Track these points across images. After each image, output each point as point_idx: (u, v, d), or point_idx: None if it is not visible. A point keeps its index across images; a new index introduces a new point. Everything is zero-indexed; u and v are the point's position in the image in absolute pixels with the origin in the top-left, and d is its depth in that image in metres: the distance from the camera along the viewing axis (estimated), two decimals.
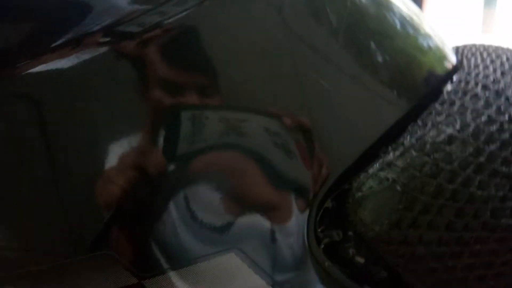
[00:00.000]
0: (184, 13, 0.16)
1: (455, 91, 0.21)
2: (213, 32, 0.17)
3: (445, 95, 0.21)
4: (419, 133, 0.19)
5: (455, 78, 0.22)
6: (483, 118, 0.19)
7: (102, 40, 0.16)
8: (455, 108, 0.20)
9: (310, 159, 0.18)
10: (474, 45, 0.26)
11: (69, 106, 0.16)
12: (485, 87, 0.20)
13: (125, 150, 0.16)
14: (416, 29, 0.23)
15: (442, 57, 0.24)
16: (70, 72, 0.15)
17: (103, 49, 0.16)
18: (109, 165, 0.16)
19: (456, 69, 0.23)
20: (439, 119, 0.20)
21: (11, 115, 0.15)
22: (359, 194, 0.19)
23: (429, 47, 0.23)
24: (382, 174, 0.19)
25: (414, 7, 0.25)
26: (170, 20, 0.16)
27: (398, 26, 0.22)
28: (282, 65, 0.18)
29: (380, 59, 0.20)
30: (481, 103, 0.20)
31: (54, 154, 0.15)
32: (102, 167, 0.16)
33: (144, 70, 0.16)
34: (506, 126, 0.19)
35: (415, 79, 0.22)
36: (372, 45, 0.20)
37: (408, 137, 0.20)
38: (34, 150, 0.15)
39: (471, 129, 0.19)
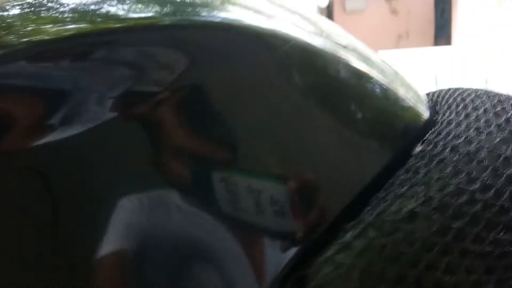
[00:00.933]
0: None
1: (422, 156, 0.19)
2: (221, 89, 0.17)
3: (411, 161, 0.19)
4: (380, 207, 0.18)
5: (426, 138, 0.20)
6: (450, 189, 0.17)
7: (111, 105, 0.15)
8: (419, 177, 0.18)
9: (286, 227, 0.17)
10: (453, 93, 0.24)
11: (77, 179, 0.15)
12: (454, 150, 0.19)
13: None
14: (390, 90, 0.22)
15: (416, 113, 0.22)
16: (77, 141, 0.15)
17: (112, 114, 0.15)
18: (114, 246, 0.15)
19: (427, 126, 0.21)
20: (401, 191, 0.18)
21: (17, 190, 0.15)
22: (314, 283, 0.17)
23: (403, 106, 0.22)
24: (338, 258, 0.17)
25: (390, 69, 0.23)
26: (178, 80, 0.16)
27: (377, 91, 0.21)
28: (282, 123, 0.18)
29: (356, 115, 0.20)
30: (449, 169, 0.18)
31: (60, 228, 0.15)
32: (109, 249, 0.15)
33: (158, 135, 0.16)
34: (477, 196, 0.17)
35: (387, 134, 0.20)
36: (352, 105, 0.20)
37: (368, 213, 0.18)
38: (39, 226, 0.15)
39: (435, 202, 0.17)
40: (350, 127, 0.19)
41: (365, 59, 0.22)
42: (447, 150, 0.19)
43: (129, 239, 0.15)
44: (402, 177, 0.18)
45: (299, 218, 0.18)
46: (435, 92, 0.26)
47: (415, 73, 2.02)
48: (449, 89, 0.25)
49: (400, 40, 3.01)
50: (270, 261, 0.17)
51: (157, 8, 0.18)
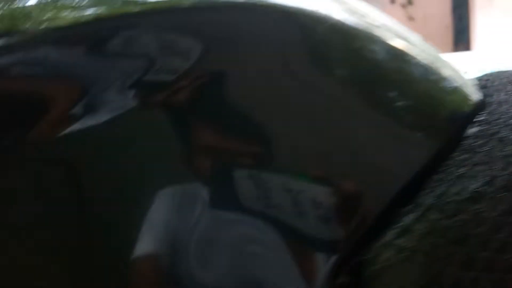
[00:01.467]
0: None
1: (478, 136, 0.18)
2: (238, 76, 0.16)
3: (467, 141, 0.18)
4: (439, 189, 0.17)
5: (479, 118, 0.19)
6: None
7: (130, 94, 0.15)
8: (480, 156, 0.17)
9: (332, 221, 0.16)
10: (499, 75, 0.23)
11: (103, 169, 0.15)
12: None
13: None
14: (433, 72, 0.21)
15: (464, 95, 0.21)
16: (101, 131, 0.14)
17: (134, 103, 0.15)
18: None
19: (480, 107, 0.20)
20: (461, 171, 0.17)
21: (46, 180, 0.14)
22: (375, 267, 0.16)
23: (449, 88, 0.21)
24: (399, 242, 0.16)
25: (432, 50, 0.23)
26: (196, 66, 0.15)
27: (417, 73, 0.20)
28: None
29: (399, 104, 0.19)
30: (510, 147, 0.17)
31: (88, 218, 0.14)
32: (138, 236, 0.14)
33: (181, 123, 0.15)
34: None
35: (433, 122, 0.19)
36: (392, 92, 0.19)
37: (427, 195, 0.17)
38: (68, 215, 0.14)
39: (500, 181, 0.16)
40: (394, 112, 0.19)
41: (403, 39, 0.21)
42: (506, 128, 0.18)
43: (161, 235, 0.15)
44: (460, 157, 0.17)
45: (349, 207, 0.17)
46: (480, 76, 0.25)
47: None
48: (493, 73, 0.24)
49: None
50: (318, 258, 0.16)
51: None
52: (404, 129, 0.19)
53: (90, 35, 0.15)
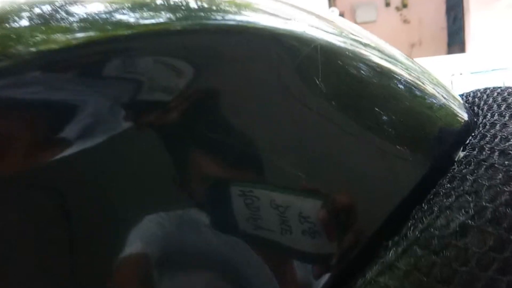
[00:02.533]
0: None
1: (466, 162, 0.17)
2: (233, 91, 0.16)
3: (455, 167, 0.17)
4: (424, 222, 0.16)
5: (469, 141, 0.19)
6: (504, 197, 0.15)
7: (123, 114, 0.14)
8: (467, 185, 0.16)
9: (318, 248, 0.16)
10: (492, 92, 0.22)
11: (95, 195, 0.14)
12: (504, 153, 0.17)
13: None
14: (419, 88, 0.20)
15: (452, 114, 0.20)
16: (94, 155, 0.14)
17: (126, 124, 0.14)
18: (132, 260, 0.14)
19: (470, 128, 0.19)
20: (447, 202, 0.16)
21: (34, 210, 0.14)
22: None
23: (436, 106, 0.20)
24: (382, 280, 0.15)
25: (418, 66, 0.22)
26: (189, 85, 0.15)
27: (402, 89, 0.20)
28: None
29: (383, 121, 0.18)
30: (500, 176, 0.16)
31: (76, 247, 0.14)
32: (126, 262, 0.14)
33: (176, 147, 0.15)
34: None
35: (420, 141, 0.18)
36: (376, 108, 0.18)
37: (412, 227, 0.16)
38: (56, 244, 0.14)
39: (489, 213, 0.15)
40: (379, 132, 0.18)
41: (388, 57, 0.20)
42: (496, 154, 0.17)
43: (150, 259, 0.14)
44: (447, 186, 0.16)
45: (331, 236, 0.16)
46: (470, 93, 0.24)
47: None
48: (485, 89, 0.23)
49: (413, 49, 2.98)
50: (301, 286, 0.16)
51: (168, 14, 0.17)
52: (393, 142, 0.18)
53: (82, 59, 0.15)
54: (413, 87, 0.20)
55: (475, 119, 0.20)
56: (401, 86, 0.19)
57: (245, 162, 0.16)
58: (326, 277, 0.16)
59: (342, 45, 0.19)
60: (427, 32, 2.94)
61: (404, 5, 2.87)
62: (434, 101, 0.20)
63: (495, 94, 0.21)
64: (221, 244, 0.15)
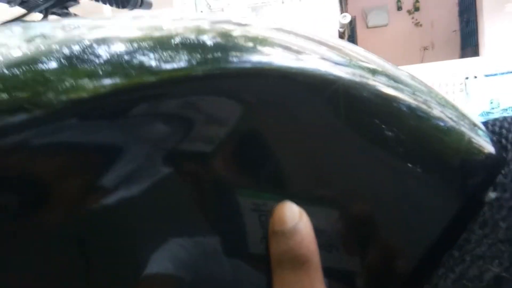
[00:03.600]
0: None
1: (498, 206, 0.16)
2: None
3: (486, 211, 0.17)
4: (456, 271, 0.15)
5: (499, 180, 0.18)
6: None
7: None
8: (500, 233, 0.15)
9: None
10: None
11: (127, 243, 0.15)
12: None
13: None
14: (428, 114, 0.19)
15: (472, 147, 0.19)
16: (130, 204, 0.14)
17: (163, 172, 0.15)
18: None
19: (497, 164, 0.19)
20: (480, 250, 0.15)
21: (64, 258, 0.14)
22: None
23: (451, 130, 0.19)
24: None
25: (436, 93, 0.21)
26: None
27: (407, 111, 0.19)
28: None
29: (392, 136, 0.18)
30: None
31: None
32: None
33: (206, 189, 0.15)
34: None
35: (442, 179, 0.18)
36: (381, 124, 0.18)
37: (444, 276, 0.15)
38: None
39: None
40: (397, 160, 0.17)
41: (396, 81, 0.20)
42: None
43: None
44: (478, 232, 0.16)
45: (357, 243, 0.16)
46: (495, 122, 0.23)
47: (444, 86, 1.97)
48: (509, 117, 0.22)
49: (426, 52, 2.96)
50: None
51: (186, 56, 0.16)
52: (415, 178, 0.17)
53: (111, 106, 0.15)
54: (428, 115, 0.19)
55: (504, 154, 0.19)
56: (414, 113, 0.19)
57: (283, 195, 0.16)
58: None
59: (356, 78, 0.19)
60: (440, 35, 2.91)
61: (416, 9, 2.85)
62: (448, 128, 0.19)
63: None
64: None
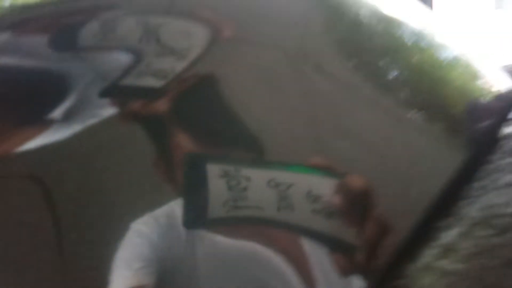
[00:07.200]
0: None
1: None
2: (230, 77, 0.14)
3: (504, 142, 0.16)
4: (484, 199, 0.14)
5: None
6: None
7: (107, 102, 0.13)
8: None
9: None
10: None
11: (76, 181, 0.13)
12: None
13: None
14: (431, 42, 0.19)
15: (478, 79, 0.19)
16: (71, 144, 0.13)
17: (111, 110, 0.13)
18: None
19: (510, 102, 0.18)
20: (505, 179, 0.15)
21: (16, 197, 0.13)
22: None
23: (455, 63, 0.19)
24: (442, 264, 0.14)
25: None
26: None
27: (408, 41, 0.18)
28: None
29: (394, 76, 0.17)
30: None
31: (63, 235, 0.13)
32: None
33: (163, 130, 0.13)
34: None
35: (450, 111, 0.17)
36: (382, 61, 0.17)
37: (469, 206, 0.15)
38: (42, 233, 0.13)
39: None
40: (397, 98, 0.16)
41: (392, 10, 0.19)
42: None
43: (141, 260, 0.13)
44: (503, 161, 0.15)
45: (357, 215, 0.14)
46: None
47: None
48: None
49: None
50: (324, 266, 0.14)
51: None
52: (424, 115, 0.16)
53: (57, 19, 0.13)
54: (444, 51, 0.18)
55: None
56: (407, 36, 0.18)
57: (250, 144, 0.14)
58: (375, 261, 0.14)
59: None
60: None
61: None
62: (471, 69, 0.19)
63: None
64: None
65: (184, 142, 0.13)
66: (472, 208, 0.14)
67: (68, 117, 0.12)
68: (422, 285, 0.14)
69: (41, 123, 0.12)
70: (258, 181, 0.14)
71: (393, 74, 0.17)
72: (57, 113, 0.12)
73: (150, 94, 0.13)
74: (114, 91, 0.13)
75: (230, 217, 0.14)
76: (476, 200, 0.15)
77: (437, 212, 0.15)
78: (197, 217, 0.13)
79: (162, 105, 0.13)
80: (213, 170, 0.13)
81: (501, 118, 0.17)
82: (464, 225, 0.14)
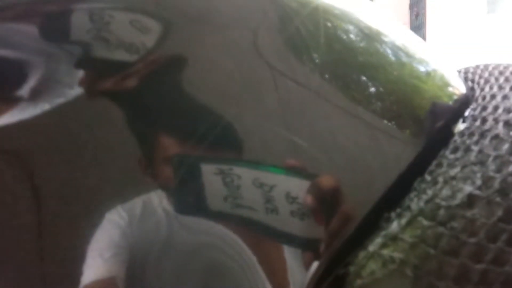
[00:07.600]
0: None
1: (469, 133, 0.16)
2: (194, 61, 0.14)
3: (457, 139, 0.17)
4: (429, 193, 0.15)
5: (467, 114, 0.18)
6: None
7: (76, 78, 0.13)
8: (473, 156, 0.15)
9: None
10: (486, 67, 0.21)
11: (50, 156, 0.13)
12: (508, 125, 0.16)
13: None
14: (412, 57, 0.19)
15: (448, 87, 0.19)
16: (43, 119, 0.12)
17: (80, 89, 0.13)
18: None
19: (467, 101, 0.19)
20: (452, 172, 0.15)
21: None
22: (360, 281, 0.14)
23: (429, 76, 0.19)
24: (386, 252, 0.14)
25: (410, 36, 0.21)
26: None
27: (391, 56, 0.19)
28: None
29: (373, 91, 0.17)
30: (506, 146, 0.15)
31: (42, 207, 0.13)
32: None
33: (130, 108, 0.13)
34: None
35: (415, 115, 0.18)
36: (363, 78, 0.17)
37: (416, 198, 0.15)
38: (20, 207, 0.13)
39: (497, 183, 0.14)
40: (369, 105, 0.17)
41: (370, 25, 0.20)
42: (500, 125, 0.16)
43: (115, 248, 0.13)
44: (450, 156, 0.16)
45: (327, 205, 0.15)
46: (460, 70, 0.24)
47: None
48: (479, 65, 0.23)
49: None
50: (296, 265, 0.14)
51: None
52: (379, 120, 0.17)
53: (32, 7, 0.13)
54: (401, 54, 0.19)
55: (474, 92, 0.19)
56: (389, 51, 0.19)
57: (222, 135, 0.14)
58: (326, 249, 0.15)
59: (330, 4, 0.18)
60: None
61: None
62: (430, 71, 0.19)
63: (490, 68, 0.21)
64: (195, 229, 0.14)
65: (164, 142, 0.14)
66: (420, 200, 0.15)
67: (35, 96, 0.12)
68: (367, 272, 0.14)
69: (7, 100, 0.12)
70: (246, 180, 0.14)
71: (370, 89, 0.17)
72: (24, 91, 0.12)
73: (122, 68, 0.13)
74: (86, 64, 0.13)
75: (236, 215, 0.14)
76: (422, 192, 0.15)
77: (389, 203, 0.15)
78: (190, 204, 0.14)
79: (131, 82, 0.13)
80: (207, 169, 0.14)
81: (456, 116, 0.18)
82: (407, 215, 0.15)
